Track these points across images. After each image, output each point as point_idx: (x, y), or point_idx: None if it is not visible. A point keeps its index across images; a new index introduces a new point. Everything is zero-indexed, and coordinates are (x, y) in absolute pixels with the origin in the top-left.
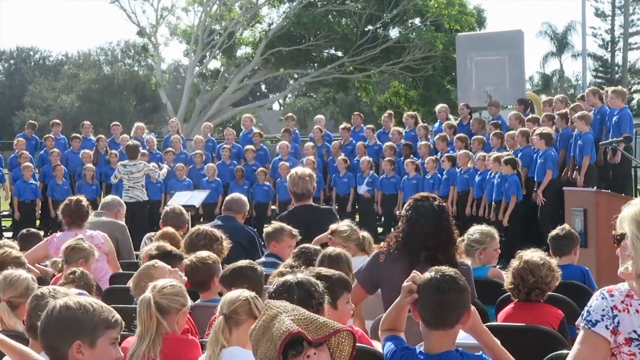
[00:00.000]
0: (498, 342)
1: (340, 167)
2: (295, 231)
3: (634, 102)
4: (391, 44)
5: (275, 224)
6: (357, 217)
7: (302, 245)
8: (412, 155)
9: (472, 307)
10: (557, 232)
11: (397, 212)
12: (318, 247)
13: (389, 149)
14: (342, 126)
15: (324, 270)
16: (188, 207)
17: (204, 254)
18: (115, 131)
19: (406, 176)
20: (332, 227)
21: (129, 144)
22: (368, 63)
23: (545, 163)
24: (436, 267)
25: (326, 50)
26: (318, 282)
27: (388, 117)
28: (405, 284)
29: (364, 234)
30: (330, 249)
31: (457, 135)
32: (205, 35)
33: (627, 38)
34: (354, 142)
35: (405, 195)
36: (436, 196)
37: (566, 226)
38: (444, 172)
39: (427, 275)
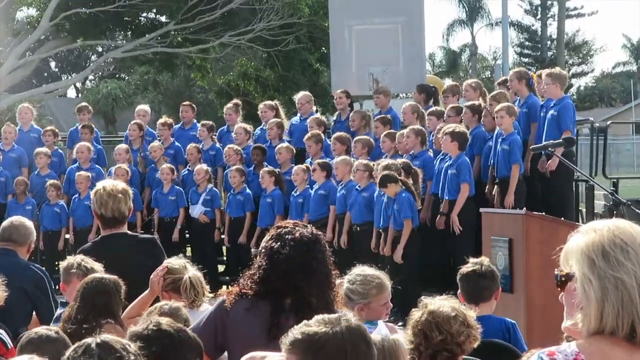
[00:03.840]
0: None
1: (164, 179)
2: (94, 265)
3: (573, 89)
4: (237, 6)
5: (69, 259)
6: (190, 250)
7: (89, 277)
8: (266, 163)
9: None
10: (471, 268)
11: (251, 248)
12: (113, 278)
13: (232, 153)
14: (161, 121)
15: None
16: None
17: None
18: None
19: (264, 192)
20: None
21: None
22: (204, 32)
23: (459, 174)
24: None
25: (144, 14)
26: (129, 343)
27: (233, 108)
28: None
29: (192, 274)
30: (162, 303)
31: (336, 135)
32: None
33: (564, 2)
34: (176, 144)
35: (261, 219)
36: (307, 224)
37: (484, 260)
38: (316, 187)
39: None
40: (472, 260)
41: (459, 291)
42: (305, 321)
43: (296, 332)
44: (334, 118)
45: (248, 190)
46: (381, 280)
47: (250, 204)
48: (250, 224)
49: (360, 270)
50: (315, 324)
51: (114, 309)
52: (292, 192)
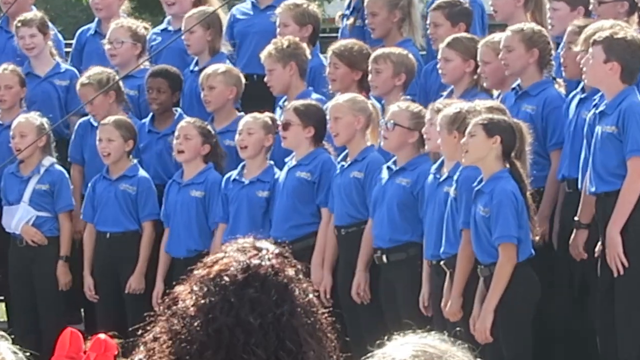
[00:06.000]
0: None
1: None
2: None
3: None
4: None
5: None
6: (4, 307)
7: None
8: (179, 111)
9: None
10: None
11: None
12: None
13: (91, 89)
14: None
15: None
16: None
17: None
18: None
19: (177, 177)
20: None
21: None
22: None
23: (626, 136)
24: None
25: None
26: None
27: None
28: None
29: None
30: None
31: (337, 45)
32: None
33: None
34: None
35: (173, 239)
36: (271, 248)
37: None
38: (292, 164)
39: None
40: None
41: None
42: None
43: None
44: (344, 12)
45: (143, 173)
46: None
47: (151, 204)
48: (152, 248)
49: (407, 340)
50: None
51: None
52: (235, 175)
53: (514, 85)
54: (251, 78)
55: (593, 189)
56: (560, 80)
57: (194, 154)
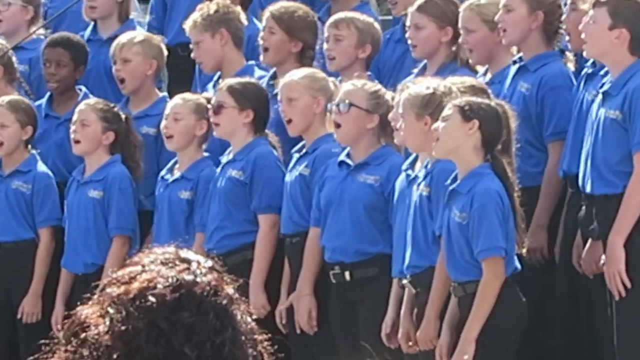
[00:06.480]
0: None
1: None
2: None
3: None
4: None
5: None
6: None
7: None
8: (84, 89)
9: None
10: None
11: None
12: None
13: None
14: None
15: None
16: None
17: None
18: None
19: (77, 174)
20: None
21: None
22: None
23: (632, 124)
24: None
25: None
26: None
27: None
28: None
29: None
30: None
31: (273, 8)
32: None
33: None
34: None
35: (70, 251)
36: (202, 260)
37: None
38: (228, 158)
39: None
40: None
41: None
42: None
43: None
44: None
45: (42, 168)
46: None
47: (50, 206)
48: (51, 261)
49: None
50: None
51: None
52: (165, 172)
53: (515, 58)
54: (185, 50)
55: (589, 189)
56: (570, 55)
57: (92, 144)
